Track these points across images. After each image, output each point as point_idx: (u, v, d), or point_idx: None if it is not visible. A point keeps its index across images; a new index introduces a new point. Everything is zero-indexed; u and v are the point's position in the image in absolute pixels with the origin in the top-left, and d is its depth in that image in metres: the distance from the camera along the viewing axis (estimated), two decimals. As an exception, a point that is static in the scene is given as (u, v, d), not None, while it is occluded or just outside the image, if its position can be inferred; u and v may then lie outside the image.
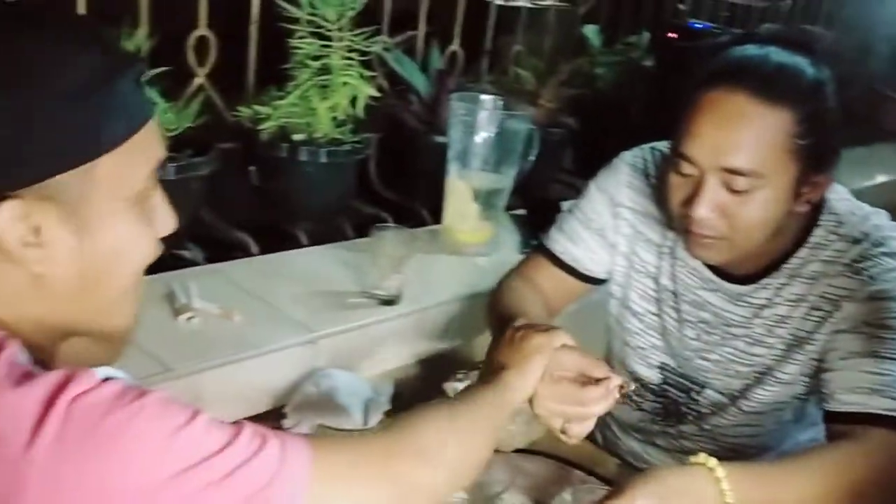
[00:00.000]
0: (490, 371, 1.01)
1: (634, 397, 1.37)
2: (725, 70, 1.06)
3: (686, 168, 1.07)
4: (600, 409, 1.00)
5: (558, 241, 1.33)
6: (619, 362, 1.38)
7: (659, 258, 1.28)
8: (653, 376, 1.33)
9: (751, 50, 1.07)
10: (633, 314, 1.33)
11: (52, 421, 0.58)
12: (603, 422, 1.48)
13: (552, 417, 1.01)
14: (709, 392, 1.28)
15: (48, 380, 0.60)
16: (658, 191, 1.25)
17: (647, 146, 1.30)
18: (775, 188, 1.05)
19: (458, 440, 0.83)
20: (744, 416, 1.26)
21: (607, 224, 1.30)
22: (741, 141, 1.03)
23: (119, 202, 0.68)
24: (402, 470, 0.75)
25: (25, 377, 0.61)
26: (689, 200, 1.08)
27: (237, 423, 0.67)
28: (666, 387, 1.32)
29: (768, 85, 1.02)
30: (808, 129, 1.03)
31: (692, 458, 0.96)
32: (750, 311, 1.21)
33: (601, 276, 1.34)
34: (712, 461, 0.94)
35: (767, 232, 1.10)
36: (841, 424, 1.06)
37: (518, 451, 1.23)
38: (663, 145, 1.27)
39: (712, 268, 1.22)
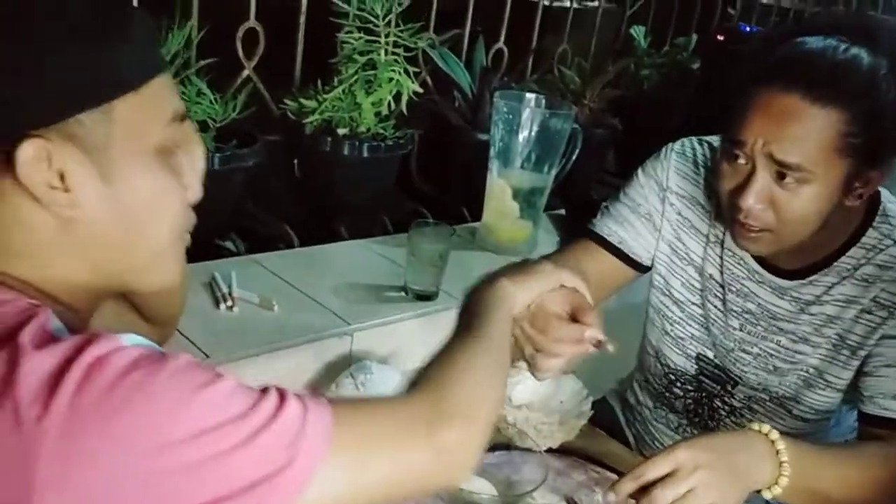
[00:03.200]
0: (490, 280, 0.96)
1: (666, 394, 1.37)
2: (781, 67, 1.05)
3: (737, 155, 1.07)
4: (566, 350, 0.98)
5: (606, 224, 1.32)
6: (655, 353, 1.37)
7: (705, 247, 1.27)
8: (688, 367, 1.33)
9: (809, 44, 1.05)
10: (675, 302, 1.32)
11: (68, 383, 0.57)
12: (635, 424, 1.48)
13: (523, 341, 0.98)
14: (743, 387, 1.27)
15: (68, 343, 0.60)
16: (707, 180, 1.25)
17: (693, 137, 1.30)
18: (824, 184, 1.04)
19: (492, 383, 0.81)
20: (792, 421, 1.25)
21: (654, 208, 1.30)
22: (792, 136, 1.02)
23: (142, 150, 0.69)
24: (450, 434, 0.72)
25: (49, 341, 0.60)
26: (739, 190, 1.08)
27: (264, 387, 0.65)
28: (701, 377, 1.32)
29: (821, 85, 1.01)
30: (861, 128, 1.02)
31: (750, 426, 0.98)
32: (796, 307, 1.20)
33: (646, 262, 1.32)
34: (775, 433, 0.96)
35: (815, 225, 1.09)
36: (878, 428, 1.08)
37: (550, 450, 1.23)
38: (711, 138, 1.28)
39: (760, 260, 1.22)
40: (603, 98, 2.29)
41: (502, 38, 2.24)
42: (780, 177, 1.05)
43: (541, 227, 1.91)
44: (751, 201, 1.07)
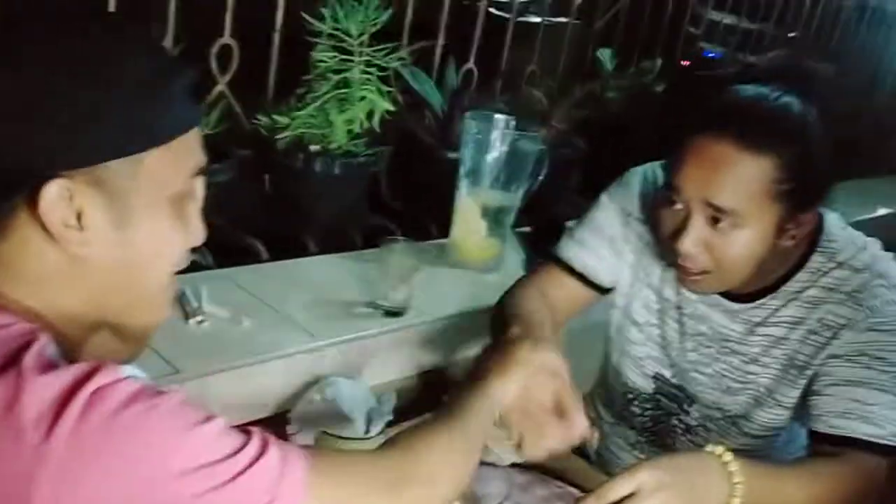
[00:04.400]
0: (476, 372, 1.02)
1: (625, 412, 1.41)
2: (716, 115, 1.10)
3: (674, 201, 1.13)
4: (553, 445, 1.05)
5: (569, 248, 1.36)
6: (615, 372, 1.41)
7: (664, 270, 1.32)
8: (646, 386, 1.37)
9: (742, 93, 1.10)
10: (634, 324, 1.36)
11: (72, 410, 0.60)
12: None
13: (511, 429, 1.05)
14: (699, 406, 1.32)
15: (72, 371, 0.62)
16: (651, 220, 1.29)
17: (656, 163, 1.34)
18: (758, 228, 1.10)
19: (458, 460, 0.87)
20: (744, 439, 1.29)
21: (617, 233, 1.34)
22: (724, 182, 1.08)
23: (160, 199, 0.71)
24: (409, 495, 0.79)
25: (51, 367, 0.63)
26: (676, 234, 1.13)
27: (246, 430, 0.70)
28: (658, 396, 1.36)
29: (753, 133, 1.06)
30: (791, 174, 1.07)
31: (705, 447, 1.01)
32: (746, 328, 1.25)
33: (608, 284, 1.36)
34: (728, 455, 0.99)
35: (752, 266, 1.14)
36: (828, 445, 1.12)
37: (514, 465, 1.26)
38: None
39: None
40: (569, 119, 2.34)
41: (472, 59, 2.28)
42: (715, 221, 1.10)
43: (508, 245, 1.94)
44: (687, 245, 1.12)
